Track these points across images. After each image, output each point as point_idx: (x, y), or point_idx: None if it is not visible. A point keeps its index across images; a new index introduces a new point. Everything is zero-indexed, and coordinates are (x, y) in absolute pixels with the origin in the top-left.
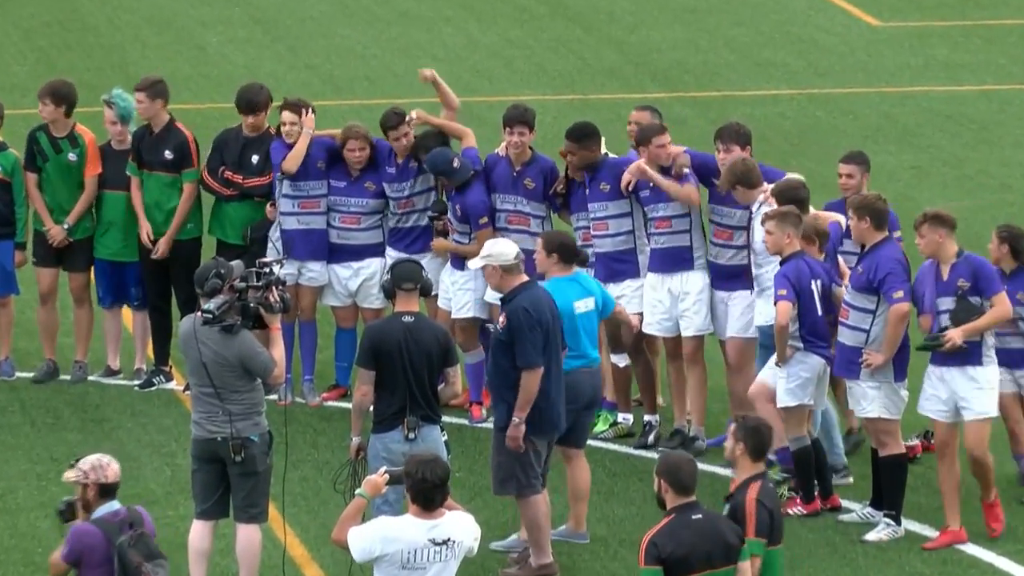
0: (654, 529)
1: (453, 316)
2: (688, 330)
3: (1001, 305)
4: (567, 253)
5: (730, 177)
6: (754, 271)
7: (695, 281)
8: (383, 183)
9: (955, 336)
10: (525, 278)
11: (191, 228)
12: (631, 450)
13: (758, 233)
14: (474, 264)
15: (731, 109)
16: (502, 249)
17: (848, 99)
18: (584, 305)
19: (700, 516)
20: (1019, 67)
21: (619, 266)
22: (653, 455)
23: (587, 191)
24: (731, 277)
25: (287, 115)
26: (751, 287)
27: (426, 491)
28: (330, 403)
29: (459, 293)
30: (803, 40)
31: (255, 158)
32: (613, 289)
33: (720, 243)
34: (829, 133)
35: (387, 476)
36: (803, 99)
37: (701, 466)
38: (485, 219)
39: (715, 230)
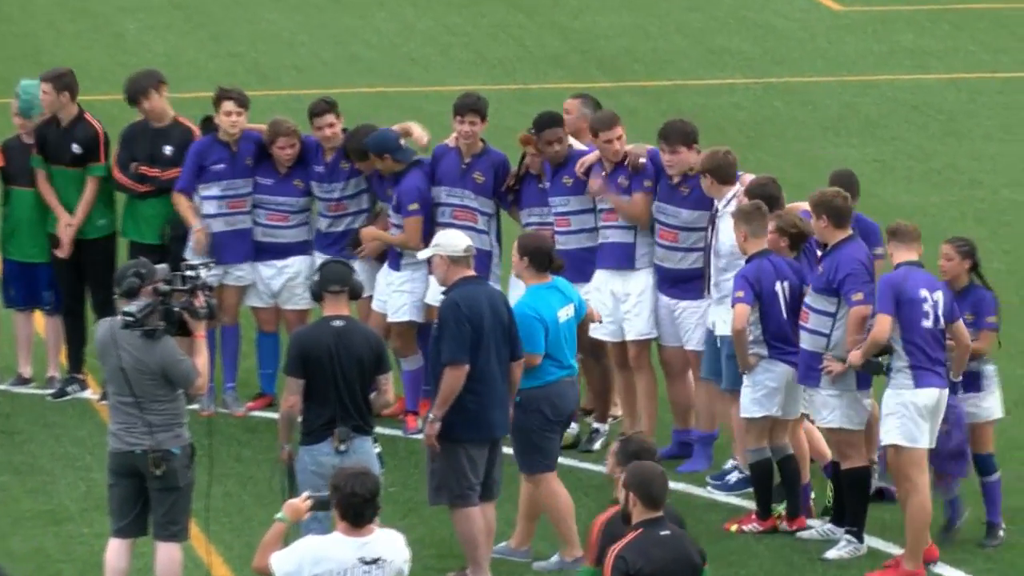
0: (621, 543)
1: (389, 319)
2: (630, 333)
3: (876, 327)
4: (540, 259)
5: (707, 162)
6: (714, 276)
7: (637, 282)
8: (311, 181)
9: (852, 357)
10: (471, 273)
11: (104, 225)
12: (577, 463)
13: (722, 234)
14: (422, 254)
15: (683, 99)
16: (451, 239)
17: (807, 88)
18: (566, 313)
19: (668, 533)
20: (990, 54)
21: (586, 266)
22: (601, 468)
23: (549, 184)
24: (679, 282)
25: (229, 105)
26: (703, 295)
27: (356, 506)
28: (255, 413)
29: (395, 295)
30: (760, 26)
31: (168, 148)
32: (578, 288)
33: (665, 244)
34: (787, 124)
35: (310, 501)
36: (759, 89)
37: None
38: (416, 206)
39: (660, 230)
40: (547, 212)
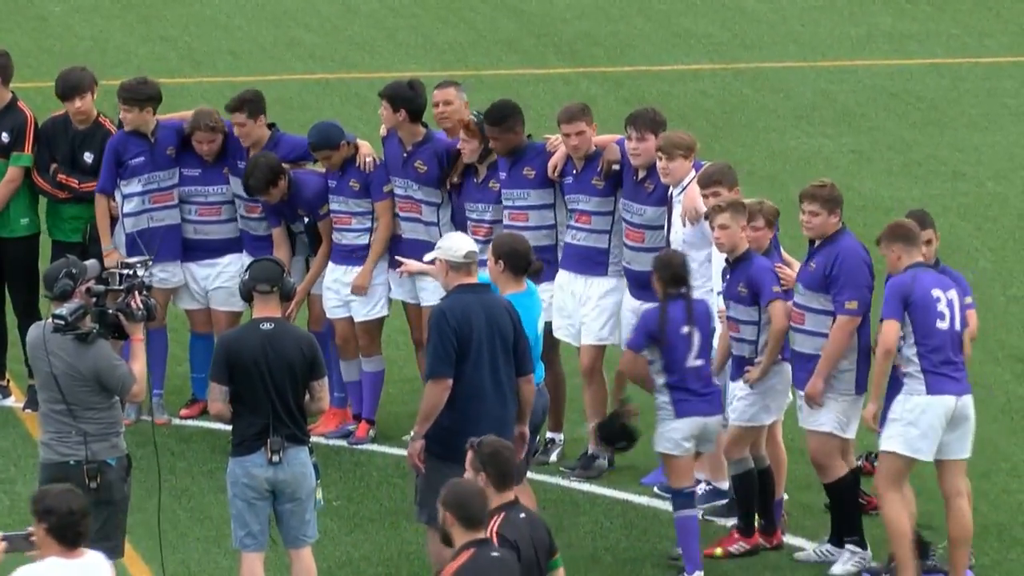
0: (452, 566)
1: (365, 317)
2: (586, 337)
3: (884, 334)
4: (518, 262)
5: (674, 139)
6: None
7: (600, 285)
8: (234, 177)
9: (868, 413)
10: (471, 280)
11: (27, 224)
12: (530, 474)
13: (678, 223)
14: (427, 257)
15: (646, 86)
16: (453, 244)
17: (779, 74)
18: (542, 322)
19: (498, 554)
20: (973, 38)
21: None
22: (559, 480)
23: (504, 176)
24: (649, 286)
25: (119, 103)
26: None
27: (74, 524)
28: (189, 422)
29: (372, 288)
30: (728, 7)
31: (89, 156)
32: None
33: (632, 246)
34: (757, 113)
35: (4, 543)
36: (728, 75)
37: (609, 492)
38: (390, 187)
39: (627, 230)
40: (484, 208)
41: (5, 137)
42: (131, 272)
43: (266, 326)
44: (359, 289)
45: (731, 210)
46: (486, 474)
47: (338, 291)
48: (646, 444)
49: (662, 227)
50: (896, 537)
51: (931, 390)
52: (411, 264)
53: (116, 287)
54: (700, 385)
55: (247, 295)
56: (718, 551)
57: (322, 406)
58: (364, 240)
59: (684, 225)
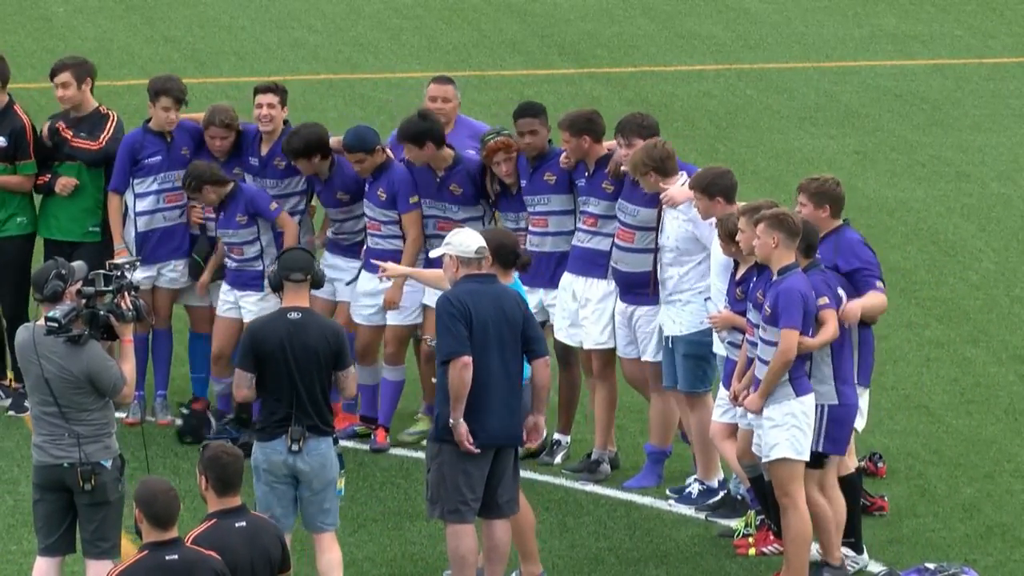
0: (122, 566)
1: (397, 323)
2: (587, 342)
3: (790, 345)
4: (505, 256)
5: (646, 159)
6: (666, 272)
7: (598, 288)
8: (246, 174)
9: (751, 403)
10: (480, 271)
11: (22, 223)
12: (536, 476)
13: (668, 228)
14: (434, 253)
15: (649, 87)
16: (463, 240)
17: (783, 75)
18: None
19: (176, 557)
20: (977, 39)
21: (560, 270)
22: (562, 481)
23: (525, 182)
24: (636, 287)
25: (166, 101)
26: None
27: None
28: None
29: (410, 295)
30: (731, 8)
31: (83, 135)
32: (545, 296)
33: (622, 246)
34: (761, 114)
35: None
36: (732, 75)
37: (612, 492)
38: (416, 198)
39: (619, 230)
40: (520, 217)
41: (2, 141)
42: (120, 273)
43: (293, 315)
44: (391, 304)
45: (768, 221)
46: (206, 478)
47: (376, 298)
48: (640, 447)
49: (654, 229)
50: (793, 543)
51: (799, 392)
52: (392, 267)
53: (103, 288)
54: None
55: (278, 284)
56: (751, 552)
57: (348, 395)
58: (397, 245)
59: (661, 209)
